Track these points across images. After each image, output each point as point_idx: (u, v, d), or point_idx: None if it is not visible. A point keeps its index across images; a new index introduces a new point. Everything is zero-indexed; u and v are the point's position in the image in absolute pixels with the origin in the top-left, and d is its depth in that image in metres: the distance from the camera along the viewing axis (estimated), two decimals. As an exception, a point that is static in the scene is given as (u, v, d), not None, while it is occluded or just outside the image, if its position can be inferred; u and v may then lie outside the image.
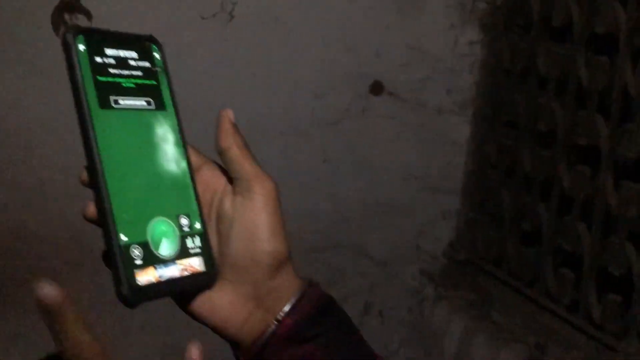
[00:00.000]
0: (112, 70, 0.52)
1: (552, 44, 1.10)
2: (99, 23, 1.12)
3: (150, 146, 0.54)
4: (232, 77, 1.21)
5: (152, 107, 0.55)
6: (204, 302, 0.55)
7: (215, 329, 0.57)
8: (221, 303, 0.56)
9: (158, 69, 0.56)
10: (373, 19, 1.25)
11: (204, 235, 0.55)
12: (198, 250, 0.54)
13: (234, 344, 0.59)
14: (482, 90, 1.27)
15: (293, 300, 0.57)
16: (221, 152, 0.57)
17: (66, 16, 1.15)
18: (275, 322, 0.56)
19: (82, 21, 1.15)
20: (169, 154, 0.55)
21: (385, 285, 1.33)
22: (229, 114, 0.58)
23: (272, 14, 1.22)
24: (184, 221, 0.54)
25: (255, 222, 0.56)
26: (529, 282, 1.12)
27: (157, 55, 0.56)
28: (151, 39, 0.56)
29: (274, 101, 1.24)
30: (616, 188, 0.96)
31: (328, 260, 1.31)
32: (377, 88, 1.29)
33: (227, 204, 0.57)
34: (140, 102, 0.54)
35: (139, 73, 0.54)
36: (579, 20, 1.04)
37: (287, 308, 0.56)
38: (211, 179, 0.58)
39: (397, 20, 1.26)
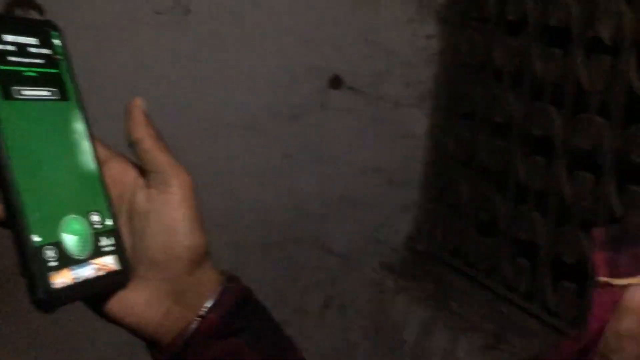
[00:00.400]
0: (11, 58, 0.49)
1: (507, 37, 1.11)
2: (51, 18, 1.11)
3: (56, 139, 0.51)
4: (189, 73, 1.20)
5: (56, 97, 0.51)
6: (118, 302, 0.53)
7: (131, 330, 0.55)
8: (136, 301, 0.54)
9: (59, 57, 0.52)
10: (331, 13, 1.26)
11: (116, 231, 0.53)
12: (111, 248, 0.52)
13: (151, 343, 0.56)
14: (440, 83, 1.28)
15: (215, 295, 0.55)
16: (133, 144, 0.54)
17: (17, 12, 1.13)
18: (198, 319, 0.54)
19: (33, 17, 1.14)
20: (76, 147, 0.52)
21: (346, 278, 1.33)
22: (139, 104, 0.55)
23: (229, 8, 1.21)
24: (95, 218, 0.51)
25: (173, 216, 0.53)
26: (486, 271, 1.14)
27: (57, 42, 0.53)
28: (50, 25, 0.53)
29: (232, 96, 1.23)
30: (570, 178, 0.98)
31: (288, 255, 1.31)
32: (336, 82, 1.30)
33: (141, 198, 0.54)
34: (43, 93, 0.50)
35: (40, 61, 0.51)
36: (533, 14, 1.06)
37: (209, 304, 0.55)
38: (120, 173, 0.56)
39: (355, 15, 1.26)
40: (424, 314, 1.18)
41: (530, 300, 1.05)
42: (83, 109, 0.53)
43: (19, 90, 0.49)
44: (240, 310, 0.56)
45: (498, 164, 1.12)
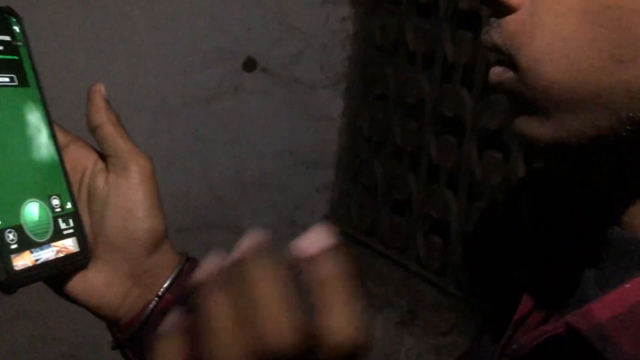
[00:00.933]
0: None
1: (419, 20, 1.14)
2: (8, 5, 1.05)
3: (16, 125, 0.52)
4: (97, 55, 1.17)
5: (15, 83, 0.52)
6: (79, 283, 0.55)
7: (92, 309, 0.57)
8: (97, 282, 0.56)
9: (19, 43, 0.53)
10: (244, -6, 1.25)
11: (75, 214, 0.54)
12: (71, 230, 0.53)
13: (111, 322, 0.58)
14: (354, 65, 1.30)
15: (172, 276, 0.57)
16: (93, 129, 0.56)
17: None
18: (156, 298, 0.56)
19: None
20: (36, 132, 0.53)
21: (262, 260, 1.33)
22: (100, 89, 0.57)
23: (139, -13, 1.18)
24: (55, 202, 0.53)
25: (132, 199, 0.55)
26: (400, 249, 1.17)
27: (16, 29, 0.53)
28: (9, 11, 0.53)
29: (141, 79, 1.21)
30: (480, 157, 1.02)
31: (203, 240, 1.29)
32: (249, 64, 1.29)
33: (100, 181, 0.56)
34: (3, 79, 0.51)
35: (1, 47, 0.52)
36: (444, -3, 1.08)
37: (166, 284, 0.57)
38: (80, 157, 0.57)
39: (269, -4, 1.26)
40: (340, 294, 1.20)
41: (443, 277, 1.08)
42: (42, 95, 0.54)
43: None
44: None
45: (411, 144, 1.14)
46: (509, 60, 0.40)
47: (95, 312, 0.57)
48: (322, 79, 1.31)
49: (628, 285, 0.37)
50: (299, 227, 1.35)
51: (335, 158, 1.33)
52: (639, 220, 0.40)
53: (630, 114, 0.36)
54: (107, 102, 0.57)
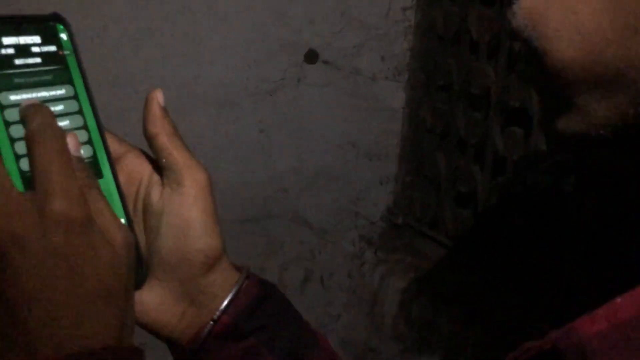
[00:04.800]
0: (15, 61, 0.48)
1: (482, 9, 1.12)
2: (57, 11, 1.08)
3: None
4: (161, 50, 1.18)
5: (66, 95, 0.50)
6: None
7: (147, 329, 0.55)
8: (151, 303, 0.54)
9: (66, 52, 0.51)
10: (305, -14, 1.25)
11: (130, 230, 0.51)
12: (134, 239, 0.50)
13: (169, 342, 0.56)
14: (416, 55, 1.28)
15: (229, 297, 0.54)
16: (149, 139, 0.53)
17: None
18: (212, 322, 0.54)
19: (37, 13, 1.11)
20: (88, 144, 0.51)
21: (325, 252, 1.34)
22: (158, 97, 0.54)
23: (201, -17, 1.19)
24: None
25: (186, 217, 0.52)
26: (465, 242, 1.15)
27: (63, 36, 0.51)
28: (55, 18, 0.51)
29: (206, 72, 1.22)
30: (548, 149, 0.99)
31: (266, 230, 1.31)
32: (311, 56, 1.29)
33: (155, 196, 0.53)
34: (49, 93, 0.49)
35: (45, 60, 0.49)
36: (509, -15, 1.06)
37: (222, 306, 0.54)
38: (135, 168, 0.55)
39: (330, -13, 1.26)
40: (404, 286, 1.20)
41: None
42: (93, 104, 0.51)
43: (24, 93, 0.48)
44: (256, 309, 0.55)
45: (475, 135, 1.13)
46: (529, 48, 0.38)
47: (151, 331, 0.55)
48: (384, 70, 1.30)
49: (619, 300, 0.34)
50: (361, 219, 1.35)
51: (397, 150, 1.33)
52: None
53: None
54: (165, 110, 0.54)
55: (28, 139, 0.45)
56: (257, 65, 1.25)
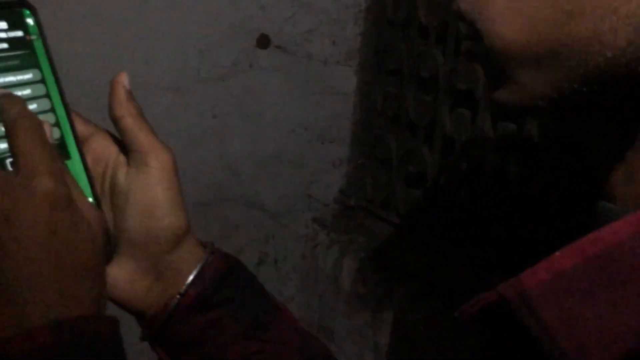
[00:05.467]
0: None
1: (431, -6, 1.14)
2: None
3: None
4: (113, 34, 1.18)
5: (33, 79, 0.51)
6: None
7: (116, 303, 0.57)
8: (119, 277, 0.55)
9: (33, 37, 0.51)
10: (256, -29, 1.25)
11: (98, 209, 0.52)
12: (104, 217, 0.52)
13: (138, 316, 0.58)
14: (367, 40, 1.30)
15: (195, 271, 0.56)
16: (114, 121, 0.55)
17: None
18: (179, 296, 0.56)
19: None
20: (53, 127, 0.51)
21: (279, 235, 1.36)
22: (123, 80, 0.55)
23: (153, -33, 1.19)
24: None
25: (152, 196, 0.54)
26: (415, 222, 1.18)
27: (30, 21, 0.51)
28: (21, 3, 0.51)
29: (157, 58, 1.22)
30: (494, 129, 1.03)
31: (220, 214, 1.32)
32: (263, 41, 1.30)
33: (121, 176, 0.55)
34: (16, 77, 0.50)
35: (11, 45, 0.50)
36: (456, -29, 1.09)
37: (189, 280, 0.56)
38: (102, 150, 0.56)
39: (281, -28, 1.27)
40: (357, 266, 1.22)
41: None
42: (60, 88, 0.52)
43: None
44: (221, 283, 0.57)
45: (425, 117, 1.16)
46: (474, 29, 0.41)
47: (120, 305, 0.57)
48: (335, 55, 1.32)
49: (558, 253, 0.36)
50: (315, 202, 1.37)
51: (350, 133, 1.35)
52: (622, 191, 0.40)
53: (583, 71, 0.36)
54: (130, 93, 0.55)
55: (9, 125, 0.47)
56: (209, 51, 1.25)
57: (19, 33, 0.51)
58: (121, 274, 0.55)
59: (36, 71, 0.51)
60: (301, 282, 1.35)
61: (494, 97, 0.42)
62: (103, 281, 0.49)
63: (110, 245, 0.54)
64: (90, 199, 0.52)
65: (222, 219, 1.32)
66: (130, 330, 0.60)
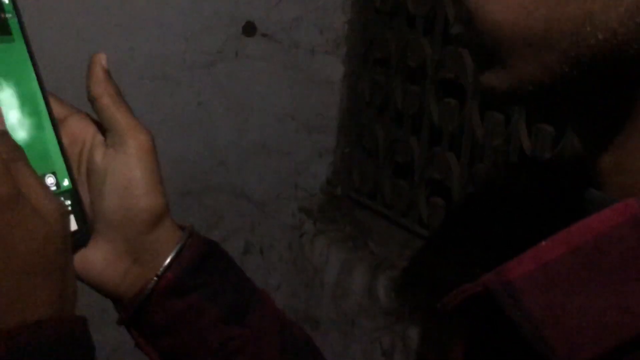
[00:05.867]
0: None
1: (419, -17, 1.14)
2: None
3: (9, 102, 0.49)
4: (96, 22, 1.16)
5: (7, 59, 0.50)
6: (78, 261, 0.53)
7: (92, 286, 0.56)
8: (95, 260, 0.55)
9: (8, 15, 0.50)
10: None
11: (74, 192, 0.52)
12: (68, 208, 0.51)
13: (115, 300, 0.57)
14: (354, 29, 1.30)
15: (172, 254, 0.55)
16: (92, 101, 0.54)
17: None
18: (155, 278, 0.55)
19: None
20: (29, 108, 0.50)
21: (265, 224, 1.35)
22: (100, 59, 0.54)
23: (138, -48, 1.18)
24: (50, 180, 0.51)
25: (129, 177, 0.53)
26: (403, 212, 1.18)
27: (5, 0, 0.51)
28: None
29: (142, 46, 1.21)
30: (482, 119, 1.03)
31: (205, 203, 1.31)
32: (249, 29, 1.29)
33: (98, 157, 0.54)
34: None
35: None
36: (444, -41, 1.08)
37: (166, 262, 0.55)
38: (79, 131, 0.55)
39: (266, -40, 1.26)
40: (343, 255, 1.22)
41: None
42: (37, 69, 0.51)
43: None
44: (200, 266, 0.57)
45: (412, 107, 1.15)
46: (464, 11, 0.40)
47: (96, 288, 0.56)
48: (322, 43, 1.31)
49: (544, 243, 0.35)
50: (301, 191, 1.36)
51: (336, 122, 1.34)
52: (611, 179, 0.39)
53: (575, 54, 0.36)
54: (107, 73, 0.55)
55: None
56: (194, 38, 1.24)
57: None
58: (98, 256, 0.55)
59: (12, 50, 0.50)
60: (287, 272, 1.35)
61: (482, 81, 0.41)
62: (68, 278, 0.46)
63: (86, 227, 0.53)
64: (67, 181, 0.51)
65: (208, 207, 1.31)
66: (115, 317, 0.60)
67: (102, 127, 0.55)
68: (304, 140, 1.34)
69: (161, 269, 0.55)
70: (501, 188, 0.97)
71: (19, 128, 0.50)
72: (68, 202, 0.52)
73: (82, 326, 0.45)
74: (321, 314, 1.25)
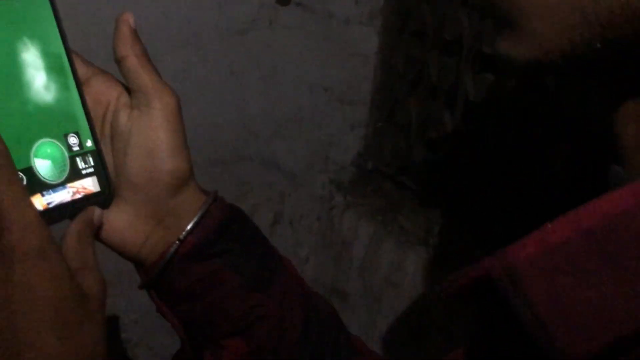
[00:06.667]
0: None
1: (458, -46, 1.11)
2: None
3: (25, 60, 0.48)
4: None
5: (29, 14, 0.49)
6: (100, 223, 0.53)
7: (114, 249, 0.56)
8: (118, 223, 0.54)
9: None
10: None
11: (97, 153, 0.52)
12: (91, 170, 0.51)
13: (137, 263, 0.57)
14: (390, 0, 1.27)
15: (195, 218, 0.55)
16: (118, 61, 0.53)
17: None
18: (177, 242, 0.55)
19: None
20: (50, 67, 0.50)
21: (295, 195, 1.35)
22: (128, 19, 0.54)
23: None
24: (73, 140, 0.51)
25: (154, 139, 0.53)
26: (434, 188, 1.17)
27: None
28: None
29: (174, 12, 1.20)
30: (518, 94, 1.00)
31: (236, 173, 1.31)
32: (284, -2, 1.27)
33: (123, 118, 0.53)
34: (16, 17, 0.48)
35: None
36: None
37: (189, 227, 0.55)
38: (103, 91, 0.54)
39: None
40: (372, 229, 1.21)
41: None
42: (62, 27, 0.51)
43: None
44: (223, 232, 0.56)
45: (447, 81, 1.13)
46: None
47: (118, 251, 0.56)
48: (357, 14, 1.29)
49: (549, 225, 0.33)
50: (332, 164, 1.36)
51: (369, 95, 1.33)
52: (635, 156, 0.37)
53: (596, 17, 0.34)
54: (135, 32, 0.54)
55: None
56: (228, 6, 1.23)
57: None
58: (120, 219, 0.54)
59: (36, 10, 0.50)
60: (316, 244, 1.35)
61: (500, 49, 0.39)
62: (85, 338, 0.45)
63: (109, 189, 0.52)
64: (90, 142, 0.51)
65: (238, 177, 1.31)
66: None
67: (128, 89, 0.55)
68: (336, 113, 1.33)
69: (183, 233, 0.55)
70: (531, 164, 0.95)
71: (43, 87, 0.49)
72: (91, 163, 0.52)
73: None
74: (349, 288, 1.25)
